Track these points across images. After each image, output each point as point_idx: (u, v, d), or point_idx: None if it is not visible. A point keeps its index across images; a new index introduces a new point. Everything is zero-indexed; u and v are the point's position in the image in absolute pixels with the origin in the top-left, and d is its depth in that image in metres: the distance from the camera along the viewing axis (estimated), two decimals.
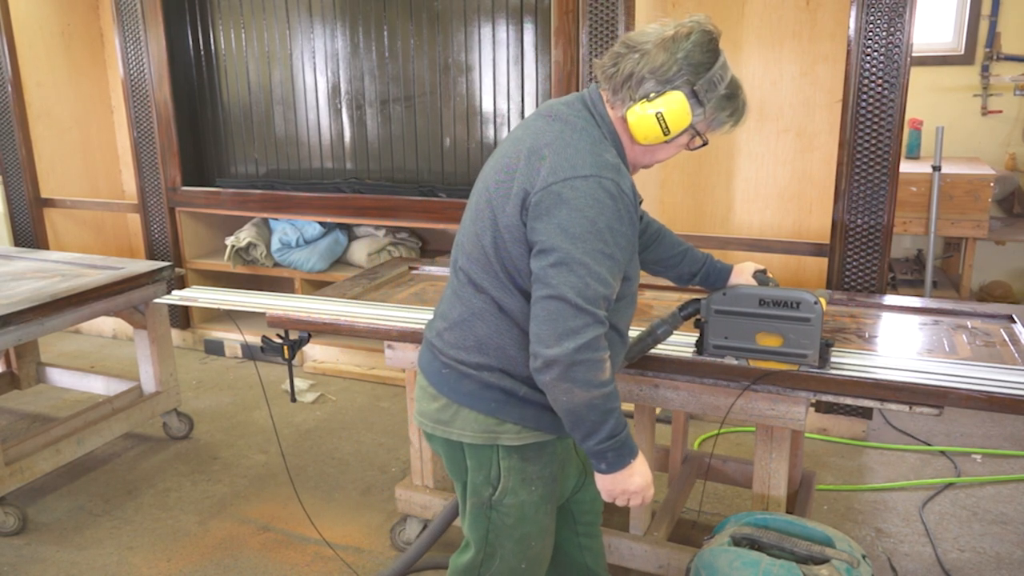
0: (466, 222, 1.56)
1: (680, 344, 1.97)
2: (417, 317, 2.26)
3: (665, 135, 1.45)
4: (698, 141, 1.52)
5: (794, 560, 1.66)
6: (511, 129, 1.63)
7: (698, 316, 1.82)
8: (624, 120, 1.47)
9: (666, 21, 1.47)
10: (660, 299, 2.48)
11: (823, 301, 1.74)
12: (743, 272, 1.82)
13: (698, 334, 1.86)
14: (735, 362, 1.84)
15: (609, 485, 1.49)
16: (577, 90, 3.17)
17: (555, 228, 1.36)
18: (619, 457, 1.44)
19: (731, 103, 1.49)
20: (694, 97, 1.43)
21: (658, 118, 1.42)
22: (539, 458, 1.57)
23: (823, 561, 1.66)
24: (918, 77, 4.24)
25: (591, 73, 3.14)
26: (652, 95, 1.43)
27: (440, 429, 1.57)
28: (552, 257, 1.36)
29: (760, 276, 1.81)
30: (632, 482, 1.48)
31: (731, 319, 1.78)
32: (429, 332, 1.63)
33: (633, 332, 1.83)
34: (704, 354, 1.85)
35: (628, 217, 1.41)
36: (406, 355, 2.30)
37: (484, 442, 1.53)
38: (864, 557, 1.71)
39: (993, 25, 4.43)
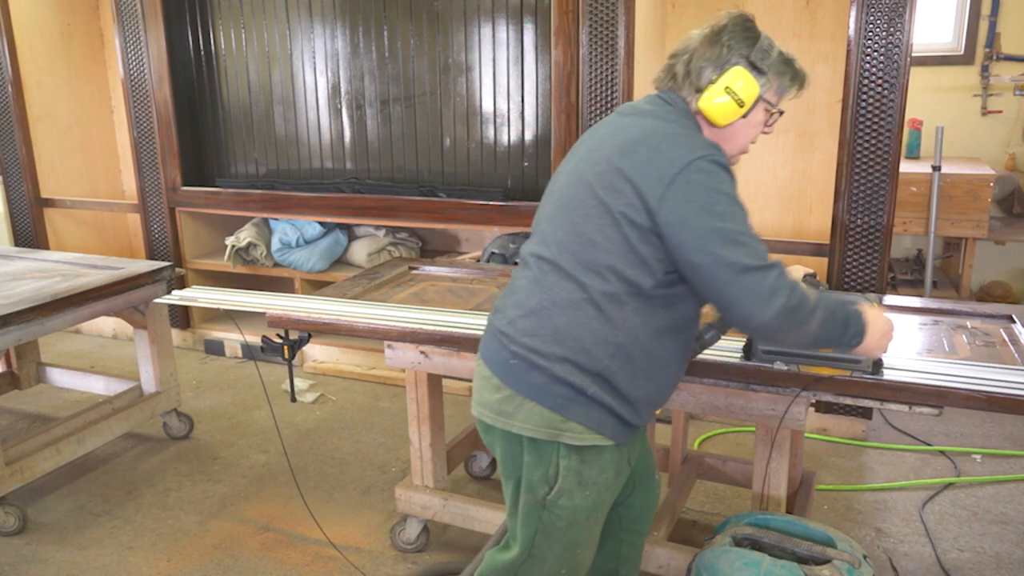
0: (555, 213, 1.55)
1: (727, 349, 1.91)
2: (417, 317, 2.26)
3: (740, 107, 1.52)
4: (774, 115, 1.61)
5: (795, 560, 1.66)
6: (592, 129, 1.65)
7: None
8: (699, 113, 1.56)
9: (693, 32, 1.60)
10: None
11: (876, 305, 1.72)
12: (791, 275, 1.81)
13: (746, 339, 1.84)
14: (785, 367, 1.80)
15: (873, 346, 1.58)
16: (577, 90, 3.17)
17: (701, 212, 1.41)
18: (860, 326, 1.54)
19: (789, 67, 1.57)
20: (753, 68, 1.53)
21: (728, 92, 1.51)
22: (597, 462, 1.54)
23: (824, 561, 1.67)
24: (918, 77, 4.24)
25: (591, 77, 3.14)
26: (715, 77, 1.52)
27: (501, 421, 1.54)
28: (715, 240, 1.40)
29: (810, 280, 1.80)
30: (879, 327, 1.58)
31: None
32: (498, 321, 1.60)
33: None
34: (753, 359, 1.83)
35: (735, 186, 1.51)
36: (406, 355, 2.30)
37: (546, 438, 1.50)
38: (865, 557, 1.71)
39: (993, 25, 4.43)
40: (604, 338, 1.47)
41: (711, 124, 1.56)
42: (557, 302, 1.49)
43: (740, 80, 1.51)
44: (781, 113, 1.61)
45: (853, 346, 1.57)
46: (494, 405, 1.55)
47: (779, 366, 1.80)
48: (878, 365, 1.76)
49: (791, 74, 1.58)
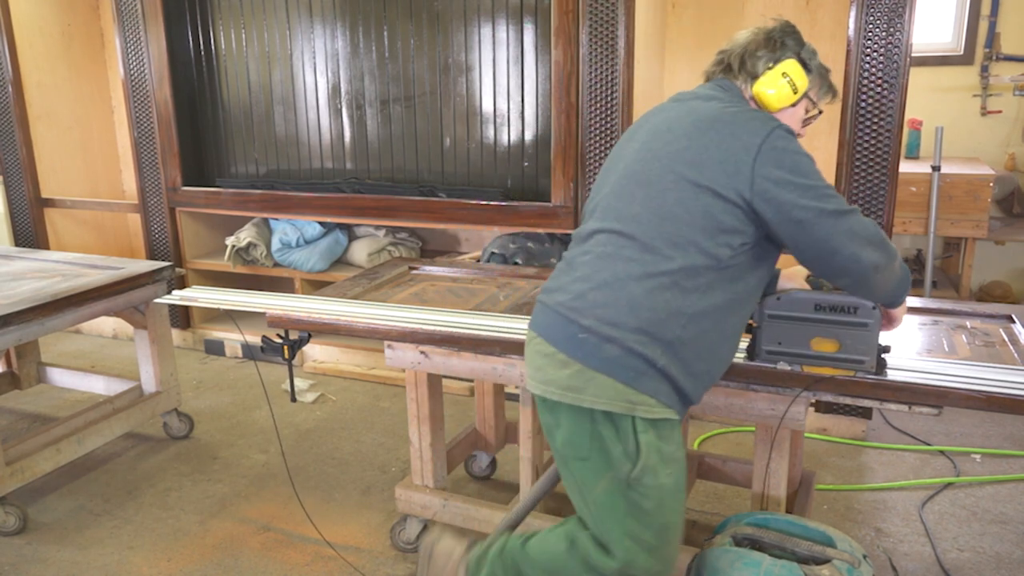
0: (626, 190, 1.59)
1: None
2: (417, 317, 2.26)
3: (795, 93, 1.66)
4: (813, 110, 1.75)
5: (795, 560, 1.66)
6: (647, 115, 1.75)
7: (750, 321, 1.79)
8: (753, 99, 1.69)
9: (742, 32, 1.76)
10: None
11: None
12: (795, 276, 1.82)
13: (750, 339, 1.84)
14: (788, 368, 1.80)
15: (900, 314, 1.73)
16: (577, 90, 3.17)
17: (792, 174, 1.50)
18: (908, 284, 1.68)
19: (827, 74, 1.75)
20: (803, 64, 1.68)
21: (785, 76, 1.65)
22: (672, 437, 1.55)
23: (824, 561, 1.67)
24: (918, 77, 4.24)
25: (590, 76, 3.14)
26: (771, 65, 1.66)
27: (571, 396, 1.52)
28: (812, 196, 1.50)
29: (813, 280, 1.80)
30: (904, 304, 1.72)
31: (785, 324, 1.76)
32: (559, 297, 1.59)
33: None
34: (757, 359, 1.82)
35: None
36: (406, 355, 2.30)
37: (621, 411, 1.50)
38: (865, 557, 1.71)
39: (993, 25, 4.43)
40: (678, 308, 1.50)
41: (764, 108, 1.67)
42: (633, 274, 1.51)
43: (794, 68, 1.66)
44: (820, 113, 1.75)
45: (896, 304, 1.69)
46: (562, 381, 1.53)
47: (782, 366, 1.80)
48: (882, 365, 1.76)
49: (829, 82, 1.76)
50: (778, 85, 1.65)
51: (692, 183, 1.52)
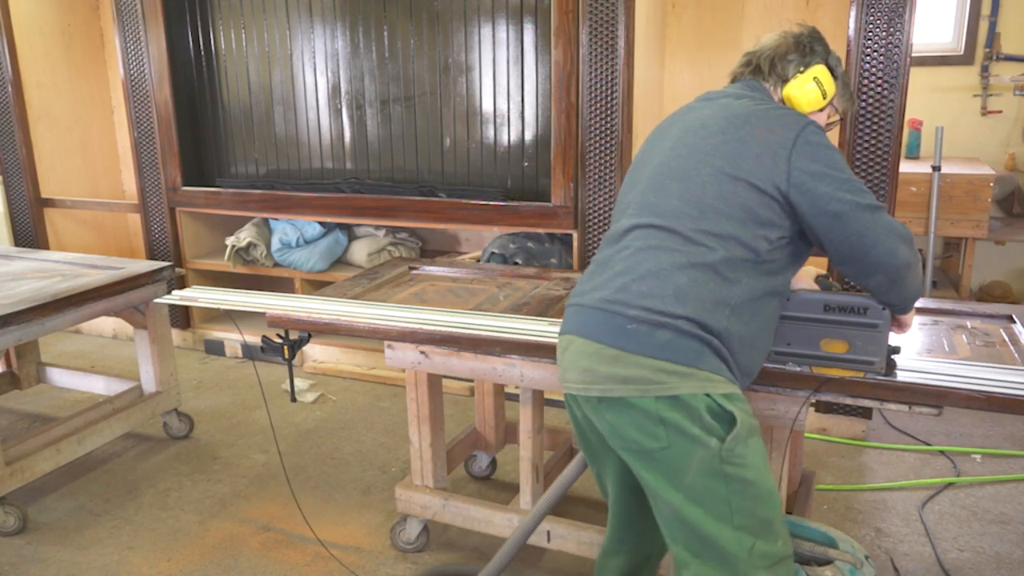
0: (662, 185, 1.59)
1: None
2: (417, 317, 2.26)
3: (824, 98, 1.70)
4: (835, 117, 1.79)
5: (798, 561, 1.66)
6: (672, 118, 1.76)
7: None
8: (782, 101, 1.72)
9: (770, 35, 1.78)
10: None
11: None
12: (803, 277, 1.81)
13: None
14: (797, 369, 1.78)
15: (911, 319, 1.75)
16: (577, 90, 3.17)
17: (827, 167, 1.52)
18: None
19: (848, 83, 1.79)
20: (830, 71, 1.72)
21: (816, 82, 1.69)
22: (744, 405, 1.49)
23: (827, 562, 1.66)
24: (918, 77, 4.24)
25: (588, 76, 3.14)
26: (801, 69, 1.70)
27: (635, 388, 1.45)
28: (847, 189, 1.51)
29: (823, 281, 1.79)
30: (913, 309, 1.73)
31: (794, 325, 1.74)
32: (600, 294, 1.54)
33: None
34: (766, 361, 1.79)
35: None
36: (406, 355, 2.30)
37: (693, 391, 1.44)
38: (867, 558, 1.71)
39: (993, 25, 4.43)
40: (722, 299, 1.49)
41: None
42: (677, 263, 1.50)
43: (824, 74, 1.70)
44: (840, 121, 1.79)
45: (910, 309, 1.69)
46: (619, 375, 1.46)
47: (791, 367, 1.78)
48: (891, 366, 1.74)
49: (850, 91, 1.80)
50: (808, 89, 1.69)
51: (730, 176, 1.53)
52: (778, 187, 1.52)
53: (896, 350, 1.76)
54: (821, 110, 1.73)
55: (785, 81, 1.71)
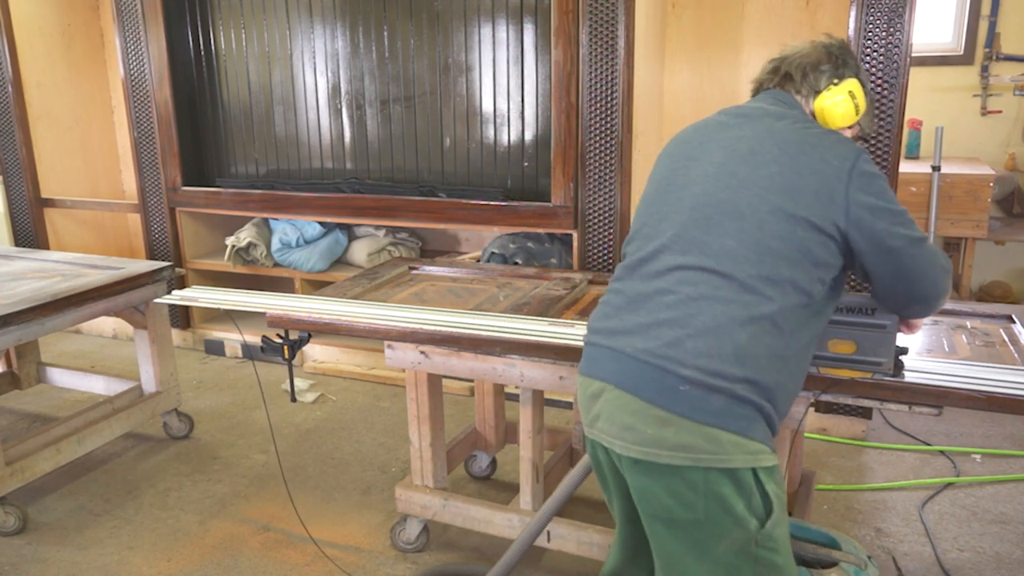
0: (713, 221, 1.45)
1: None
2: (417, 317, 2.26)
3: (856, 114, 1.63)
4: (858, 135, 1.70)
5: (802, 564, 1.66)
6: (703, 131, 1.64)
7: None
8: (812, 114, 1.64)
9: (797, 43, 1.71)
10: None
11: None
12: None
13: None
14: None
15: (920, 321, 1.71)
16: (577, 90, 3.17)
17: (881, 200, 1.45)
18: None
19: (873, 100, 1.73)
20: (862, 85, 1.65)
21: (850, 96, 1.61)
22: (781, 479, 1.43)
23: (831, 564, 1.66)
24: (918, 77, 4.24)
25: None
26: (835, 81, 1.62)
27: (683, 456, 1.34)
28: (899, 222, 1.45)
29: None
30: None
31: None
32: (643, 343, 1.40)
33: None
34: None
35: None
36: (406, 355, 2.30)
37: (744, 464, 1.34)
38: (870, 558, 1.71)
39: (993, 25, 4.43)
40: (776, 353, 1.39)
41: (824, 125, 1.62)
42: (736, 318, 1.37)
43: (857, 88, 1.63)
44: (866, 138, 1.74)
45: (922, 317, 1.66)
46: (668, 440, 1.34)
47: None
48: (899, 367, 1.73)
49: (874, 111, 1.77)
50: (842, 102, 1.61)
51: (788, 215, 1.42)
52: (836, 224, 1.43)
53: (904, 351, 1.74)
54: (851, 127, 1.65)
55: (817, 92, 1.62)
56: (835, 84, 1.61)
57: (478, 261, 3.66)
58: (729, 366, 1.35)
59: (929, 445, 3.14)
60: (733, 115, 1.61)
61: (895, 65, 2.71)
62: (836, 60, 1.63)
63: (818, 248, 1.43)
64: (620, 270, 1.56)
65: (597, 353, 1.47)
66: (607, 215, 3.25)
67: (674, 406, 1.35)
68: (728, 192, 1.46)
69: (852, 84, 1.62)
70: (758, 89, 1.71)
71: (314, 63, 3.92)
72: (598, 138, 3.19)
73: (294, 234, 4.13)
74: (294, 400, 2.81)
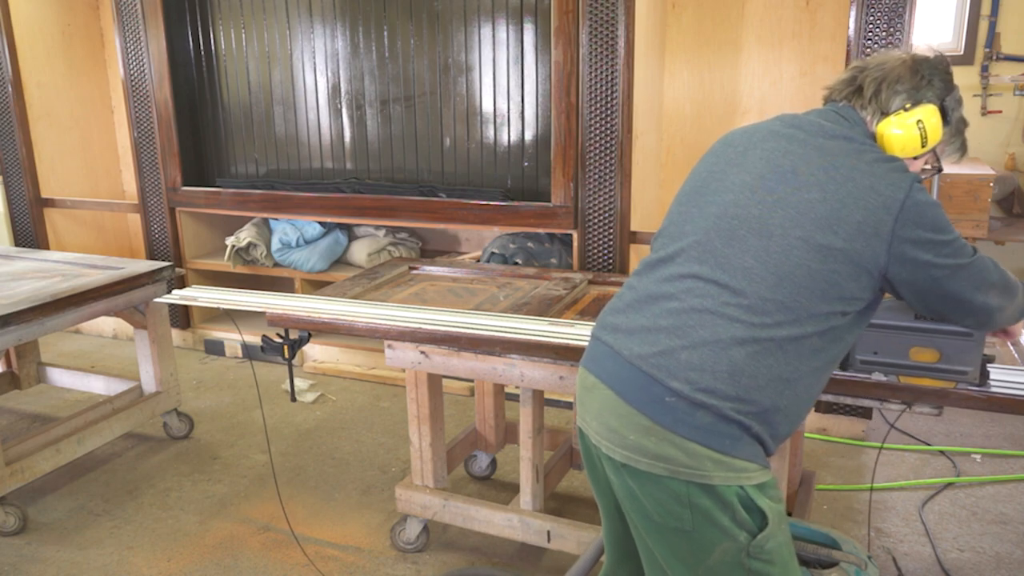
0: (737, 236, 1.38)
1: None
2: (417, 317, 2.26)
3: (922, 147, 1.47)
4: (933, 165, 1.56)
5: (802, 564, 1.65)
6: (737, 141, 1.53)
7: None
8: (873, 137, 1.49)
9: (889, 51, 1.56)
10: None
11: None
12: None
13: None
14: (883, 378, 1.71)
15: (1021, 327, 1.62)
16: (577, 90, 3.17)
17: (933, 231, 1.35)
18: None
19: (963, 130, 1.55)
20: (943, 113, 1.49)
21: (919, 126, 1.46)
22: (775, 491, 1.38)
23: (831, 564, 1.66)
24: None
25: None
26: (908, 106, 1.47)
27: (663, 467, 1.32)
28: (950, 253, 1.37)
29: None
30: None
31: (882, 333, 1.65)
32: (639, 347, 1.37)
33: None
34: (850, 370, 1.72)
35: None
36: (406, 355, 2.30)
37: (724, 483, 1.31)
38: (870, 558, 1.71)
39: (993, 25, 4.43)
40: (779, 376, 1.33)
41: (882, 150, 1.48)
42: (736, 337, 1.32)
43: (932, 118, 1.47)
44: (939, 171, 1.57)
45: (1012, 323, 1.56)
46: (648, 449, 1.33)
47: (877, 377, 1.71)
48: (985, 375, 1.67)
49: (962, 139, 1.56)
50: (906, 133, 1.46)
51: (821, 246, 1.33)
52: (877, 259, 1.34)
53: (991, 358, 1.68)
54: (915, 158, 1.50)
55: (884, 115, 1.48)
56: (906, 109, 1.47)
57: (478, 261, 3.66)
58: (721, 383, 1.31)
59: (929, 445, 3.14)
60: (787, 124, 1.49)
61: None
62: (919, 80, 1.48)
63: (849, 282, 1.35)
64: (640, 265, 1.52)
65: (598, 348, 1.46)
66: (607, 215, 3.25)
67: (658, 416, 1.32)
68: (760, 208, 1.39)
69: (926, 112, 1.46)
70: (828, 98, 1.57)
71: (314, 63, 3.92)
72: (598, 138, 3.19)
73: (294, 234, 4.13)
74: (294, 400, 2.81)
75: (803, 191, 1.37)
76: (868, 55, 2.73)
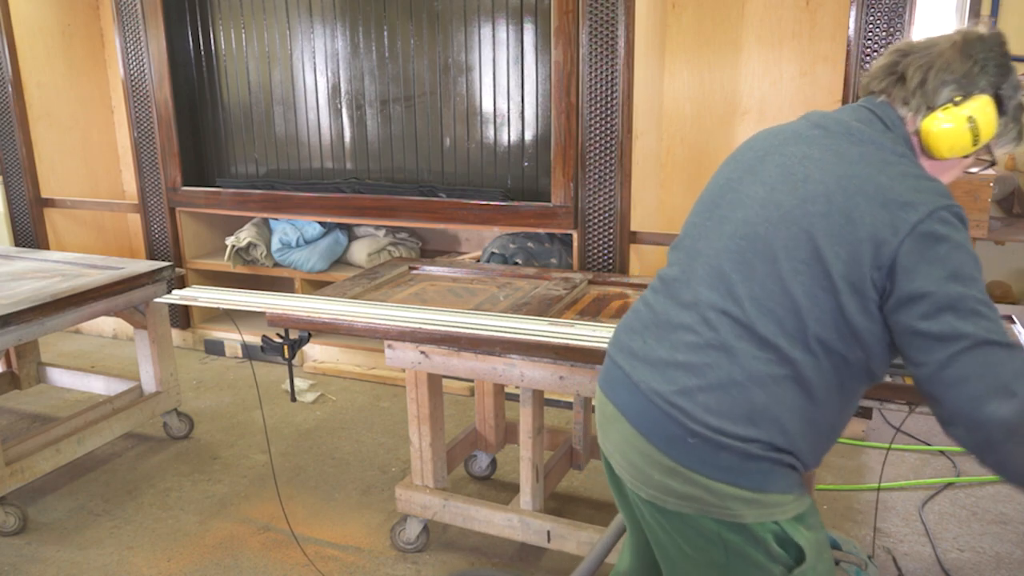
0: (745, 258, 1.28)
1: None
2: (417, 317, 2.26)
3: (974, 145, 1.28)
4: (986, 158, 1.37)
5: None
6: (770, 140, 1.39)
7: None
8: (916, 134, 1.32)
9: (937, 34, 1.36)
10: None
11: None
12: None
13: None
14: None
15: None
16: (577, 90, 3.17)
17: (943, 273, 1.16)
18: None
19: (1019, 117, 1.34)
20: (998, 103, 1.29)
21: (970, 123, 1.27)
22: (813, 519, 1.31)
23: None
24: None
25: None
26: (958, 99, 1.28)
27: (694, 506, 1.26)
28: (954, 307, 1.16)
29: None
30: None
31: None
32: (656, 381, 1.30)
33: None
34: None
35: None
36: (406, 355, 2.30)
37: (755, 520, 1.25)
38: (870, 558, 1.71)
39: (993, 25, 4.43)
40: (802, 415, 1.25)
41: (927, 152, 1.32)
42: (754, 377, 1.23)
43: (987, 112, 1.27)
44: (992, 164, 1.38)
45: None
46: (676, 490, 1.27)
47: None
48: None
49: (1019, 127, 1.34)
50: (957, 131, 1.27)
51: (825, 271, 1.20)
52: (881, 287, 1.19)
53: None
54: (966, 156, 1.32)
55: (930, 109, 1.29)
56: (955, 103, 1.27)
57: (478, 261, 3.66)
58: (741, 427, 1.23)
59: (929, 445, 3.14)
60: (813, 124, 1.35)
61: None
62: (971, 66, 1.28)
63: (858, 315, 1.20)
64: (657, 280, 1.44)
65: (617, 374, 1.38)
66: (607, 215, 3.25)
67: (682, 458, 1.25)
68: (766, 227, 1.27)
69: (979, 105, 1.27)
70: (866, 87, 1.40)
71: (314, 63, 3.92)
72: (598, 138, 3.19)
73: (294, 234, 4.13)
74: (294, 400, 2.81)
75: (808, 203, 1.24)
76: (868, 55, 2.74)
